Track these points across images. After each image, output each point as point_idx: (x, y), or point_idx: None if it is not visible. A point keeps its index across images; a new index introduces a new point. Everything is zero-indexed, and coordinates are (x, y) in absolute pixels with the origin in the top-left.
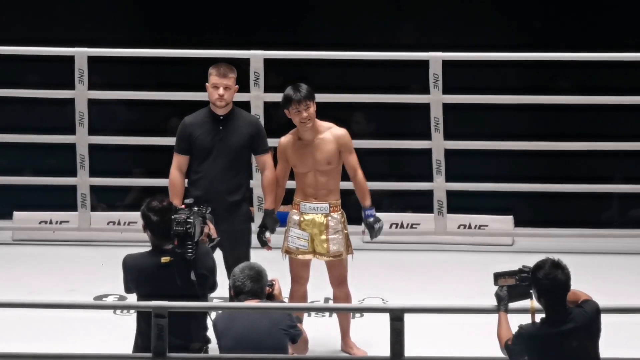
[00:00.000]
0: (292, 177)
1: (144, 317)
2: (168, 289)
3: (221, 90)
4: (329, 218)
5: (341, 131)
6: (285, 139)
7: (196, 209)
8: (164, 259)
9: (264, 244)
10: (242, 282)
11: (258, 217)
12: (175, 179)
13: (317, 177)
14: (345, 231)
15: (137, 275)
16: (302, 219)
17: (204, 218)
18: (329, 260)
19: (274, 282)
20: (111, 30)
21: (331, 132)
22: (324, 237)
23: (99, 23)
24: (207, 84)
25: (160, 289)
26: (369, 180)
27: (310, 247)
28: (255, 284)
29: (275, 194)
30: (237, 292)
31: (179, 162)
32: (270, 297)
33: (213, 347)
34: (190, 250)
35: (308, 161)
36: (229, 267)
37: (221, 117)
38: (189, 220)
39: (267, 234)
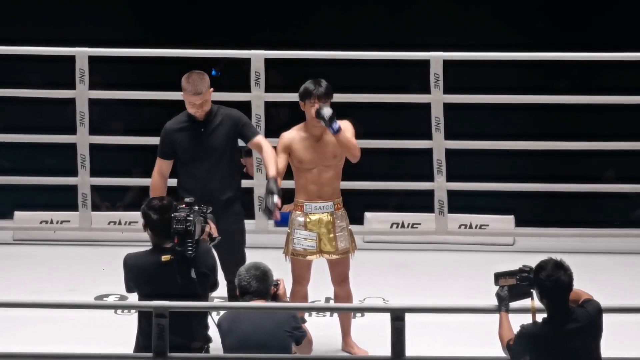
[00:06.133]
0: (290, 177)
1: (145, 316)
2: (169, 288)
3: (199, 108)
4: (335, 216)
5: (344, 122)
6: (289, 134)
7: (197, 207)
8: (165, 258)
9: (271, 213)
10: (247, 282)
11: (259, 218)
12: (156, 184)
13: (322, 173)
14: (349, 228)
15: (138, 274)
16: (307, 219)
17: (204, 217)
18: (336, 258)
19: (279, 282)
20: (112, 30)
21: None
22: (332, 235)
23: (100, 23)
24: (182, 93)
25: (161, 288)
26: (369, 180)
27: (317, 247)
28: (260, 284)
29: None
30: (242, 292)
31: (161, 166)
32: (275, 297)
33: (214, 348)
34: (190, 248)
35: (315, 156)
36: (225, 267)
37: (201, 120)
38: (188, 218)
39: (276, 198)
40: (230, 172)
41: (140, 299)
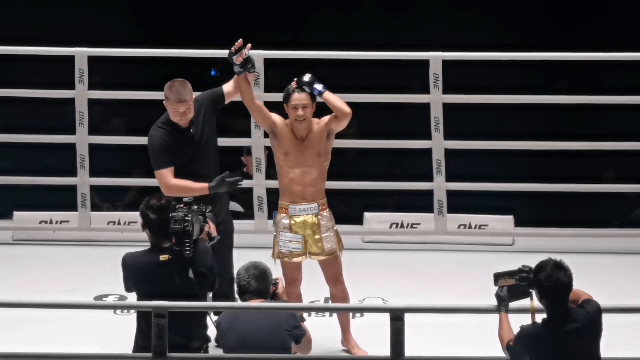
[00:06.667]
0: (274, 176)
1: (143, 316)
2: (167, 288)
3: (184, 115)
4: (319, 217)
5: (323, 118)
6: (282, 120)
7: (195, 207)
8: (163, 257)
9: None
10: (247, 281)
11: (258, 218)
12: (181, 181)
13: (305, 174)
14: (335, 228)
15: (136, 273)
16: (292, 222)
17: (204, 216)
18: (324, 259)
19: (277, 281)
20: (111, 30)
21: (318, 124)
22: (317, 236)
23: (100, 23)
24: (164, 101)
25: (159, 288)
26: (368, 180)
27: (303, 248)
28: (260, 284)
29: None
30: (241, 292)
31: (171, 172)
32: (274, 296)
33: (213, 346)
34: (188, 249)
35: (299, 156)
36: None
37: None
38: (186, 218)
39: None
40: (215, 158)
41: (139, 299)
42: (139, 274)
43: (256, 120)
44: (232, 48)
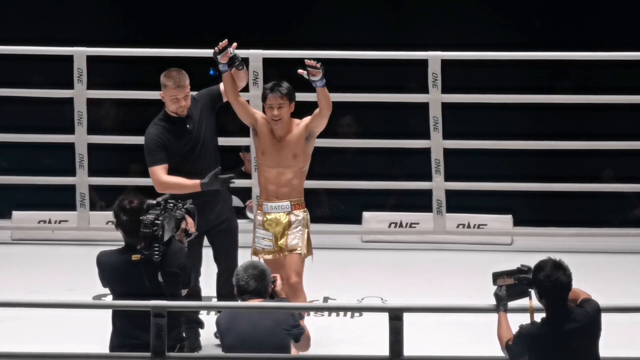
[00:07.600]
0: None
1: (118, 315)
2: (139, 287)
3: (182, 102)
4: (292, 216)
5: (304, 119)
6: (264, 119)
7: (171, 205)
8: (135, 257)
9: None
10: (245, 281)
11: None
12: (173, 177)
13: (281, 175)
14: (307, 230)
15: (110, 272)
16: (265, 218)
17: (187, 211)
18: (287, 255)
19: (275, 279)
20: (110, 30)
21: (298, 126)
22: (286, 232)
23: (99, 23)
24: (161, 93)
25: (132, 286)
26: (367, 180)
27: (275, 246)
28: (259, 283)
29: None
30: (240, 292)
31: (165, 169)
32: (273, 294)
33: (209, 345)
34: (156, 253)
35: (275, 156)
36: (220, 261)
37: (184, 117)
38: (156, 222)
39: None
40: (217, 157)
41: (113, 297)
42: (114, 273)
43: (239, 116)
44: (216, 48)
